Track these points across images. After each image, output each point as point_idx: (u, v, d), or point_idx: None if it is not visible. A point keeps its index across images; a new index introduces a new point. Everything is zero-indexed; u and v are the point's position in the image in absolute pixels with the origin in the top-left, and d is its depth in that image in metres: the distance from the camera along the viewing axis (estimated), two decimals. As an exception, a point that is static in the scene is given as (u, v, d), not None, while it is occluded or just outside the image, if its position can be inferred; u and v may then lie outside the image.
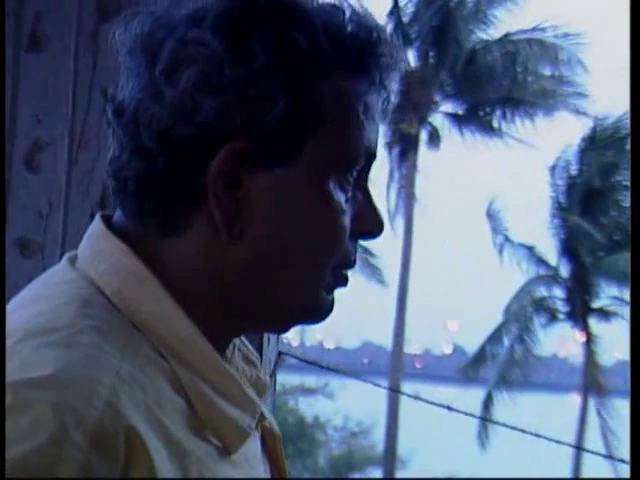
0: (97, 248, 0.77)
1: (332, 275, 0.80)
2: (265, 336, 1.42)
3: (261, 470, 0.84)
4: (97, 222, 0.80)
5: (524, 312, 18.02)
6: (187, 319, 0.75)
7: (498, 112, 18.71)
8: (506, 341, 17.87)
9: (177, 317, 0.75)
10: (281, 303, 0.79)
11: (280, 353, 1.65)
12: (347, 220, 0.79)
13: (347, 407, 19.91)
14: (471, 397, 17.62)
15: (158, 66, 0.74)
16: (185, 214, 0.75)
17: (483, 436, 16.87)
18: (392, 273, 18.48)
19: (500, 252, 18.31)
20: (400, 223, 18.48)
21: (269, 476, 0.87)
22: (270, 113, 0.74)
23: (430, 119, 18.92)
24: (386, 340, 19.60)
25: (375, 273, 18.62)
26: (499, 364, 17.65)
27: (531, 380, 19.18)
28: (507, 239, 18.35)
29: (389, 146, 18.54)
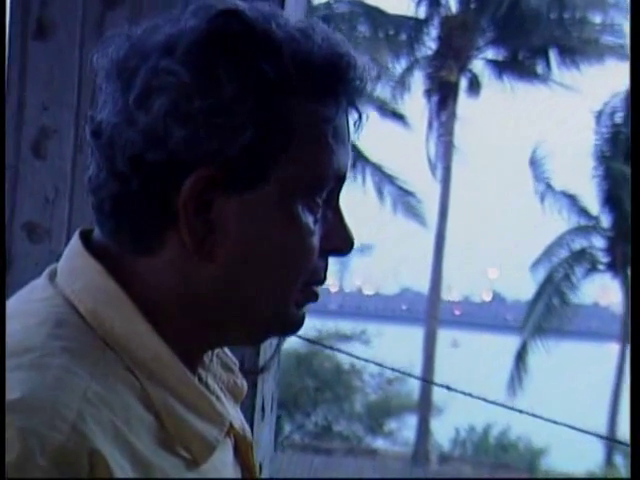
0: (73, 266, 0.81)
1: (302, 292, 0.83)
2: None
3: (230, 477, 0.88)
4: (75, 239, 0.83)
5: (563, 261, 17.89)
6: (158, 337, 0.79)
7: (542, 58, 18.32)
8: (544, 289, 17.78)
9: (148, 335, 0.79)
10: (251, 319, 0.83)
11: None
12: (315, 240, 0.82)
13: (383, 354, 20.06)
14: (511, 345, 17.64)
15: (132, 93, 0.77)
16: (158, 234, 0.79)
17: (516, 385, 16.90)
18: (433, 219, 18.42)
19: (542, 200, 18.11)
20: (439, 171, 18.34)
21: None
22: (237, 141, 0.77)
23: (470, 66, 18.60)
24: (425, 287, 19.59)
25: (417, 215, 18.53)
26: (536, 312, 17.59)
27: (571, 328, 19.11)
28: (549, 187, 18.13)
29: (428, 94, 18.32)
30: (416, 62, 18.87)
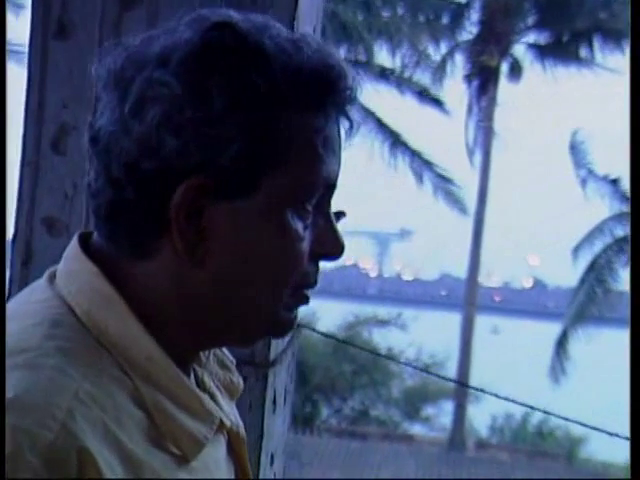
0: (71, 269, 0.85)
1: (292, 295, 0.86)
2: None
3: (221, 475, 0.90)
4: (74, 242, 0.87)
5: (605, 249, 17.66)
6: (150, 338, 0.82)
7: (586, 42, 18.04)
8: (586, 276, 17.58)
9: (141, 336, 0.82)
10: (242, 322, 0.86)
11: (298, 326, 1.71)
12: (304, 245, 0.85)
13: (420, 339, 20.01)
14: (552, 332, 17.47)
15: (128, 103, 0.80)
16: (153, 240, 0.82)
17: (558, 371, 16.75)
18: (471, 207, 18.31)
19: (583, 186, 17.88)
20: (478, 157, 18.21)
21: (232, 478, 0.94)
22: (228, 151, 0.79)
23: (511, 50, 18.39)
24: (465, 272, 19.50)
25: (457, 202, 18.43)
26: (578, 299, 17.40)
27: (613, 316, 18.88)
28: (590, 173, 17.88)
29: (468, 79, 18.16)
30: (456, 47, 18.72)
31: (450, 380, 15.51)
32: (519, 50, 18.60)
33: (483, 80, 18.06)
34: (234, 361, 1.00)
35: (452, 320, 19.89)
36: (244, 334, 0.88)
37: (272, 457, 1.53)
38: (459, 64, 18.36)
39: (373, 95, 17.71)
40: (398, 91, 18.03)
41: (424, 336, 20.70)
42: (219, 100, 0.79)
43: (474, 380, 18.54)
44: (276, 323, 0.87)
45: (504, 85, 18.32)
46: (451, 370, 18.92)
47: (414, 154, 18.08)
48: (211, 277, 0.82)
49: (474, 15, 18.60)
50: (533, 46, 18.72)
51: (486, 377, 20.13)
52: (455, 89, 18.51)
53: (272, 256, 0.83)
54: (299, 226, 0.84)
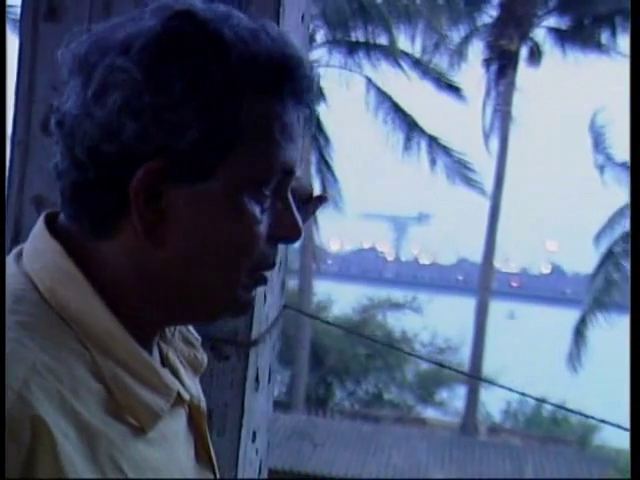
0: (36, 247, 0.88)
1: (250, 276, 0.90)
2: (260, 294, 1.52)
3: (180, 447, 0.94)
4: (40, 221, 0.90)
5: (624, 235, 17.55)
6: (110, 313, 0.85)
7: (607, 27, 17.84)
8: (604, 263, 17.47)
9: (101, 312, 0.85)
10: (200, 302, 0.89)
11: (285, 307, 1.74)
12: (261, 228, 0.88)
13: (435, 323, 20.03)
14: (570, 318, 17.39)
15: (91, 88, 0.83)
16: (114, 220, 0.85)
17: (575, 359, 16.70)
18: (489, 191, 18.23)
19: (601, 172, 17.76)
20: (495, 143, 18.13)
21: (192, 450, 0.97)
22: (185, 136, 0.82)
23: (532, 35, 18.24)
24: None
25: (474, 186, 18.36)
26: (596, 286, 17.31)
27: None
28: (609, 159, 17.75)
29: (487, 63, 18.05)
30: (475, 30, 18.59)
31: (453, 369, 15.46)
32: (539, 34, 18.45)
33: (502, 64, 17.93)
34: (199, 338, 1.03)
35: (468, 305, 19.87)
36: (202, 313, 0.91)
37: (254, 434, 1.57)
38: (478, 48, 18.25)
39: (390, 79, 17.67)
40: (416, 75, 17.97)
41: (439, 320, 20.72)
42: (177, 86, 0.82)
43: (488, 365, 18.54)
44: (234, 303, 0.91)
45: (523, 70, 18.20)
46: (465, 354, 18.94)
47: (430, 139, 18.03)
48: (169, 258, 0.85)
49: (494, -2, 18.46)
50: (554, 30, 18.55)
51: (501, 362, 20.16)
52: (473, 73, 18.41)
53: (229, 238, 0.86)
54: (256, 210, 0.86)
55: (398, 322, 19.85)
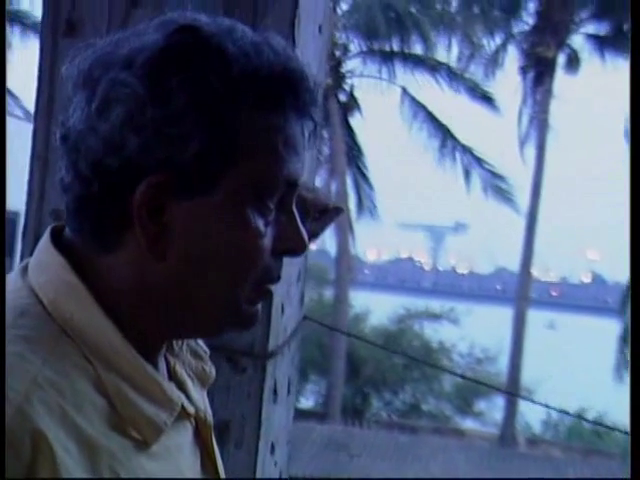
0: (40, 260, 0.89)
1: (254, 290, 0.89)
2: (277, 305, 1.52)
3: (184, 460, 0.93)
4: (46, 235, 0.91)
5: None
6: (114, 327, 0.85)
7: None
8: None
9: (104, 325, 0.85)
10: (202, 315, 0.89)
11: (305, 318, 1.74)
12: (265, 241, 0.87)
13: (473, 333, 19.87)
14: (613, 328, 17.12)
15: (94, 102, 0.84)
16: (117, 234, 0.86)
17: (622, 368, 16.38)
18: (524, 202, 18.12)
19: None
20: (531, 151, 17.98)
21: (198, 464, 0.97)
22: (187, 150, 0.83)
23: (569, 41, 18.08)
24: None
25: (507, 199, 18.28)
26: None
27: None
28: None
29: (523, 71, 17.92)
30: (511, 38, 18.48)
31: (483, 384, 15.30)
32: (577, 41, 18.28)
33: (539, 72, 17.79)
34: (207, 351, 1.03)
35: (506, 314, 19.68)
36: (206, 327, 0.91)
37: (273, 446, 1.56)
38: (513, 56, 18.14)
39: (425, 88, 17.62)
40: (450, 85, 17.91)
41: (477, 330, 20.54)
42: (179, 100, 0.82)
43: (527, 375, 18.34)
44: (238, 316, 0.90)
45: (560, 77, 18.04)
46: (503, 365, 18.75)
47: (464, 149, 17.95)
48: (172, 271, 0.85)
49: (531, 5, 18.33)
50: (592, 37, 18.37)
51: (540, 373, 19.93)
52: (508, 82, 18.29)
53: (232, 252, 0.86)
54: (260, 223, 0.86)
55: (435, 333, 19.72)
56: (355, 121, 19.06)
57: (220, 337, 1.44)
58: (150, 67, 0.83)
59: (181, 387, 0.96)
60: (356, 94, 18.85)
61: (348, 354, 17.14)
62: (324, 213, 1.40)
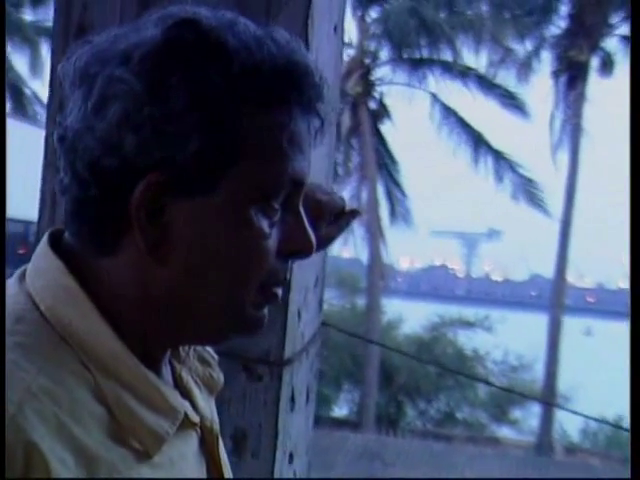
0: (38, 265, 0.86)
1: (260, 293, 0.85)
2: (294, 312, 1.48)
3: (189, 470, 0.89)
4: (44, 239, 0.88)
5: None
6: (113, 333, 0.82)
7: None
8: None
9: (103, 331, 0.82)
10: (206, 320, 0.85)
11: (323, 324, 1.70)
12: (270, 243, 0.84)
13: (507, 341, 19.67)
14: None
15: (90, 100, 0.81)
16: (116, 237, 0.82)
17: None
18: (557, 206, 17.94)
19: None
20: (564, 156, 17.80)
21: (204, 474, 0.93)
22: (186, 148, 0.79)
23: (603, 44, 17.88)
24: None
25: (539, 204, 18.14)
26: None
27: None
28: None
29: (555, 75, 17.76)
30: (543, 42, 18.33)
31: (514, 392, 15.10)
32: (611, 44, 18.06)
33: (572, 76, 17.62)
34: (216, 357, 1.00)
35: (542, 321, 19.47)
36: (210, 332, 0.87)
37: (291, 455, 1.53)
38: (545, 60, 17.99)
39: (456, 94, 17.54)
40: (481, 90, 17.82)
41: (512, 337, 20.33)
42: (177, 97, 0.79)
43: (564, 383, 18.10)
44: (243, 321, 0.86)
45: (594, 80, 17.84)
46: (539, 372, 18.54)
47: (496, 155, 17.84)
48: (174, 274, 0.82)
49: (563, 8, 18.17)
50: (627, 39, 18.14)
51: (577, 380, 19.66)
52: (540, 86, 18.13)
53: (235, 254, 0.82)
54: (264, 223, 0.83)
55: (469, 340, 19.56)
56: (385, 128, 19.05)
57: (235, 344, 1.42)
58: (148, 63, 0.80)
59: (187, 395, 0.92)
60: (386, 101, 18.83)
61: (381, 362, 17.05)
62: (340, 216, 1.36)
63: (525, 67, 17.96)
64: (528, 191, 17.85)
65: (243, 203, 0.82)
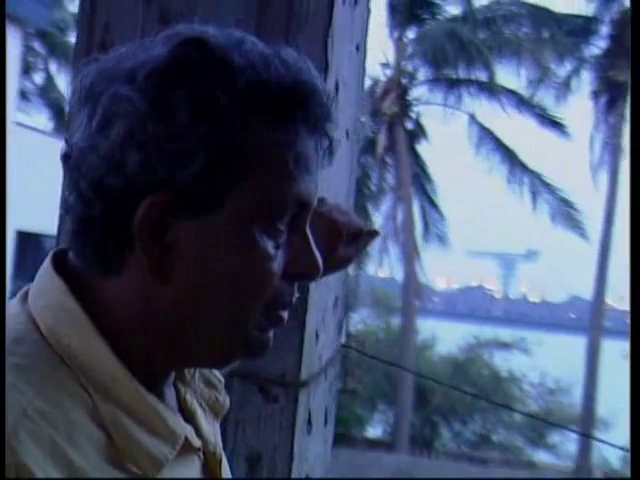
0: (40, 285, 0.85)
1: (265, 315, 0.83)
2: (311, 333, 1.47)
3: None
4: (48, 259, 0.87)
5: None
6: (113, 355, 0.81)
7: None
8: None
9: (103, 353, 0.81)
10: (209, 342, 0.83)
11: (343, 346, 1.68)
12: (275, 265, 0.82)
13: (544, 363, 19.41)
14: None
15: (95, 118, 0.80)
16: (120, 256, 0.81)
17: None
18: (595, 228, 17.74)
19: None
20: (604, 177, 17.61)
21: None
22: (190, 168, 0.78)
23: (643, 64, 17.68)
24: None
25: (577, 226, 17.95)
26: None
27: None
28: None
29: (595, 95, 17.62)
30: (583, 62, 18.20)
31: (543, 420, 14.87)
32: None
33: (612, 96, 17.46)
34: (222, 380, 0.98)
35: (580, 344, 19.20)
36: (213, 354, 0.86)
37: (307, 478, 1.50)
38: (585, 81, 17.85)
39: (492, 114, 17.46)
40: (518, 111, 17.72)
41: (549, 360, 20.06)
42: (181, 115, 0.78)
43: (603, 407, 17.78)
44: (247, 343, 0.85)
45: (634, 101, 17.62)
46: (577, 396, 18.25)
47: (533, 175, 17.71)
48: (176, 295, 0.81)
49: (603, 29, 18.03)
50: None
51: (616, 404, 19.31)
52: (579, 107, 17.99)
53: (239, 275, 0.81)
54: (269, 244, 0.81)
55: (505, 362, 19.34)
56: (422, 148, 19.01)
57: (251, 365, 1.40)
58: (152, 81, 0.79)
59: (191, 418, 0.91)
60: (422, 121, 18.80)
61: (416, 383, 16.92)
62: (358, 237, 1.34)
63: (564, 87, 17.83)
64: (566, 214, 17.68)
65: (247, 223, 0.80)
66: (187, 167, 0.78)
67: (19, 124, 12.13)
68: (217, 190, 0.79)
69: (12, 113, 11.98)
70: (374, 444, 16.89)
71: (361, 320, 19.90)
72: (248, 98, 0.79)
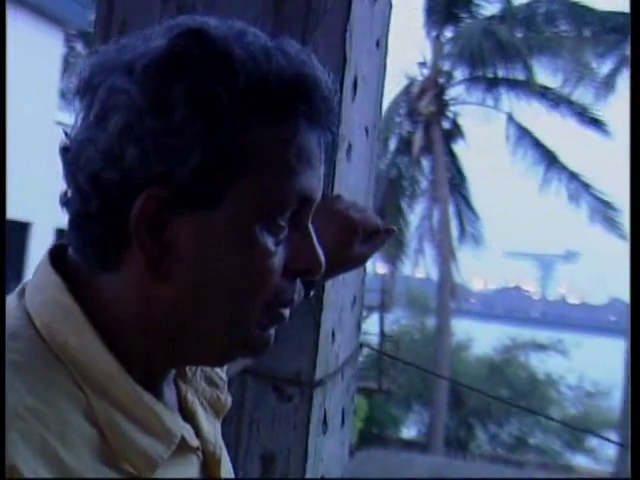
0: (37, 281, 0.84)
1: (266, 313, 0.81)
2: (327, 332, 1.45)
3: None
4: (45, 254, 0.86)
5: None
6: (109, 353, 0.79)
7: None
8: None
9: (98, 350, 0.79)
10: (208, 340, 0.82)
11: (361, 345, 1.66)
12: (275, 261, 0.80)
13: (583, 365, 19.18)
14: None
15: (93, 111, 0.79)
16: (118, 252, 0.79)
17: None
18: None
19: None
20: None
21: None
22: (187, 163, 0.76)
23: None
24: (635, 298, 18.50)
25: (617, 227, 17.71)
26: None
27: None
28: None
29: (635, 94, 17.34)
30: (624, 60, 17.92)
31: (583, 431, 14.67)
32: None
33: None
34: (224, 378, 0.96)
35: (620, 347, 18.95)
36: (213, 352, 0.84)
37: (322, 479, 1.48)
38: (626, 79, 17.56)
39: (531, 113, 17.28)
40: (557, 110, 17.52)
41: (587, 362, 19.83)
42: (180, 109, 0.76)
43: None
44: (247, 341, 0.83)
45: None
46: (616, 399, 18.00)
47: (572, 175, 17.50)
48: (175, 292, 0.79)
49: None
50: None
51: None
52: (621, 106, 17.74)
53: (238, 272, 0.79)
54: (269, 241, 0.79)
55: (542, 364, 19.14)
56: (458, 148, 18.89)
57: (265, 364, 1.39)
58: (150, 73, 0.77)
59: (190, 417, 0.89)
60: (460, 121, 18.67)
61: (451, 384, 16.82)
62: (374, 235, 1.32)
63: (605, 86, 17.58)
64: (605, 214, 17.44)
65: (247, 220, 0.78)
66: (185, 162, 0.76)
67: (60, 123, 12.29)
68: (216, 187, 0.77)
69: (53, 112, 12.13)
70: (409, 445, 16.82)
71: (396, 320, 19.84)
72: (248, 92, 0.77)
